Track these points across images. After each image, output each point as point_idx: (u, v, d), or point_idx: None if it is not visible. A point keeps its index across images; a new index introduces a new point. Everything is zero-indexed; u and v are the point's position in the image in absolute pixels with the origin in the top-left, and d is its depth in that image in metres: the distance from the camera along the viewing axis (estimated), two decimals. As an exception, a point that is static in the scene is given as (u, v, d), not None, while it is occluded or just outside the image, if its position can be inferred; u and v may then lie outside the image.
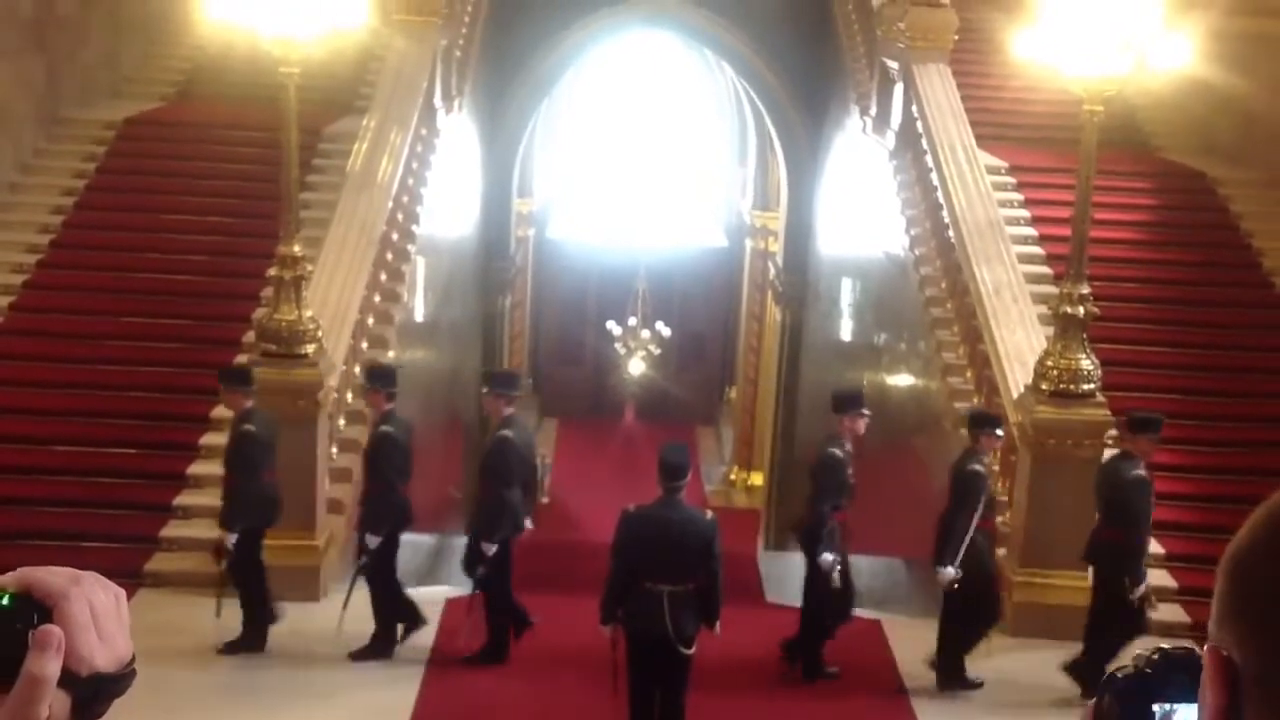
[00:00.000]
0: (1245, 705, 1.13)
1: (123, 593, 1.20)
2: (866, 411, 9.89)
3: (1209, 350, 13.46)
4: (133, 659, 1.19)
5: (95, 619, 1.15)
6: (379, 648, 9.70)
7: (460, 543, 10.67)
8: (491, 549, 9.54)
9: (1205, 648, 1.16)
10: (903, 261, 13.83)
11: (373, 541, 9.57)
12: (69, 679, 1.13)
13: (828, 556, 9.62)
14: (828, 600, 9.77)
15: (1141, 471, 9.21)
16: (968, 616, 9.58)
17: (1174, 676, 1.20)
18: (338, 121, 15.10)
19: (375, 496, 9.68)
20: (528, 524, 9.89)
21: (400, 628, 9.82)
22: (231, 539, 9.38)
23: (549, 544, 18.91)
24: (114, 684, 1.17)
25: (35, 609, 1.13)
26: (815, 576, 9.84)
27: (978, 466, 9.43)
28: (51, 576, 1.16)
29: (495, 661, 9.80)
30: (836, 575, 9.68)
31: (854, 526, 10.19)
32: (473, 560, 9.71)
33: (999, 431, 9.80)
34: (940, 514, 9.61)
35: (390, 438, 9.62)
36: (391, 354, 12.42)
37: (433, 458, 15.87)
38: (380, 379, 9.85)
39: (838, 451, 9.57)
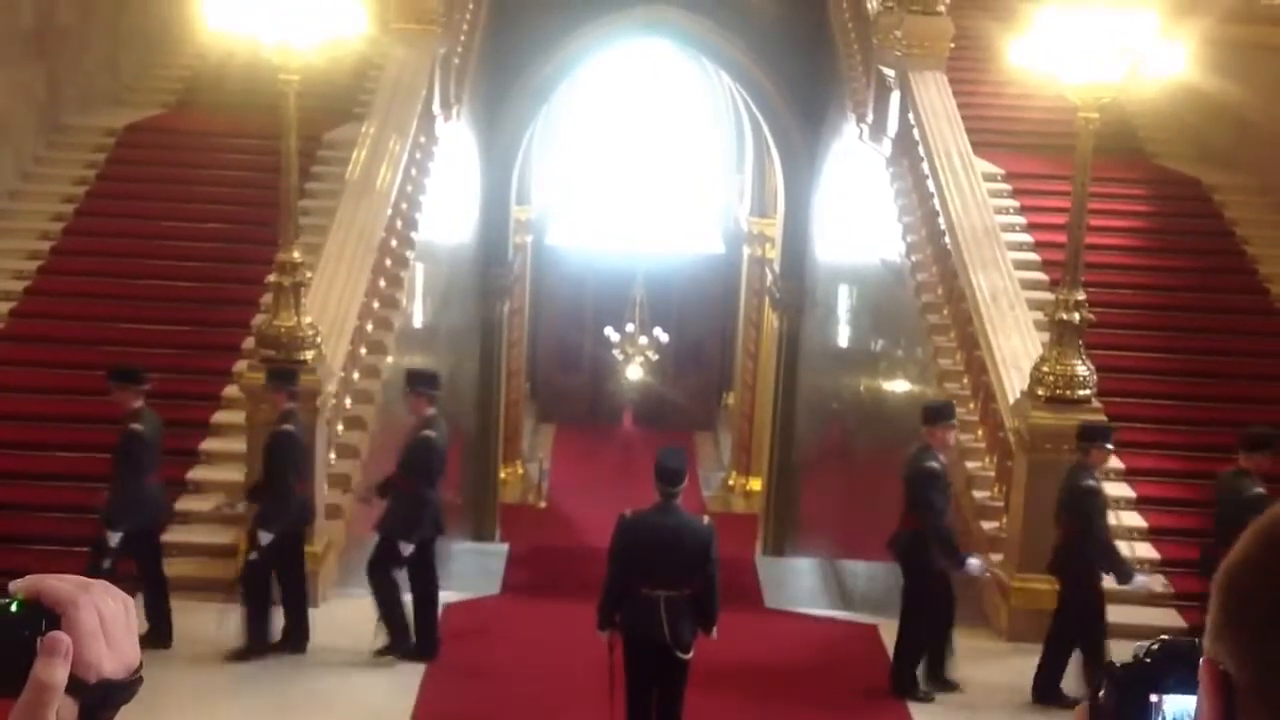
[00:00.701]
0: (1242, 718, 1.13)
1: (130, 600, 1.21)
2: (955, 422, 9.75)
3: (1204, 356, 13.52)
4: (140, 666, 1.21)
5: (103, 626, 1.16)
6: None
7: (462, 547, 10.68)
8: (409, 549, 9.51)
9: (1201, 661, 1.17)
10: (899, 268, 13.89)
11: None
12: (77, 686, 1.14)
13: (974, 561, 9.45)
14: (937, 615, 9.54)
15: (934, 462, 9.32)
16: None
17: (1173, 667, 1.21)
18: (337, 129, 15.17)
19: (270, 495, 9.58)
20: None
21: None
22: (115, 538, 9.35)
23: (547, 549, 18.96)
24: (122, 691, 1.19)
25: (44, 616, 1.14)
26: (918, 591, 9.53)
27: (1091, 482, 9.27)
28: (60, 584, 1.16)
29: (400, 653, 9.71)
30: (981, 569, 9.58)
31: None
32: (384, 560, 9.61)
33: (1109, 445, 9.56)
34: (1070, 535, 9.35)
35: (291, 436, 9.48)
36: (390, 359, 12.47)
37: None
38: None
39: (935, 464, 9.38)
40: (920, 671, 9.62)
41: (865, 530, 15.14)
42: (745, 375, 26.55)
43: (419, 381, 9.87)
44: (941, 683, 9.63)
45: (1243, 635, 1.14)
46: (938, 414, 9.63)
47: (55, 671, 1.12)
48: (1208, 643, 1.18)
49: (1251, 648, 1.13)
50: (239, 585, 9.68)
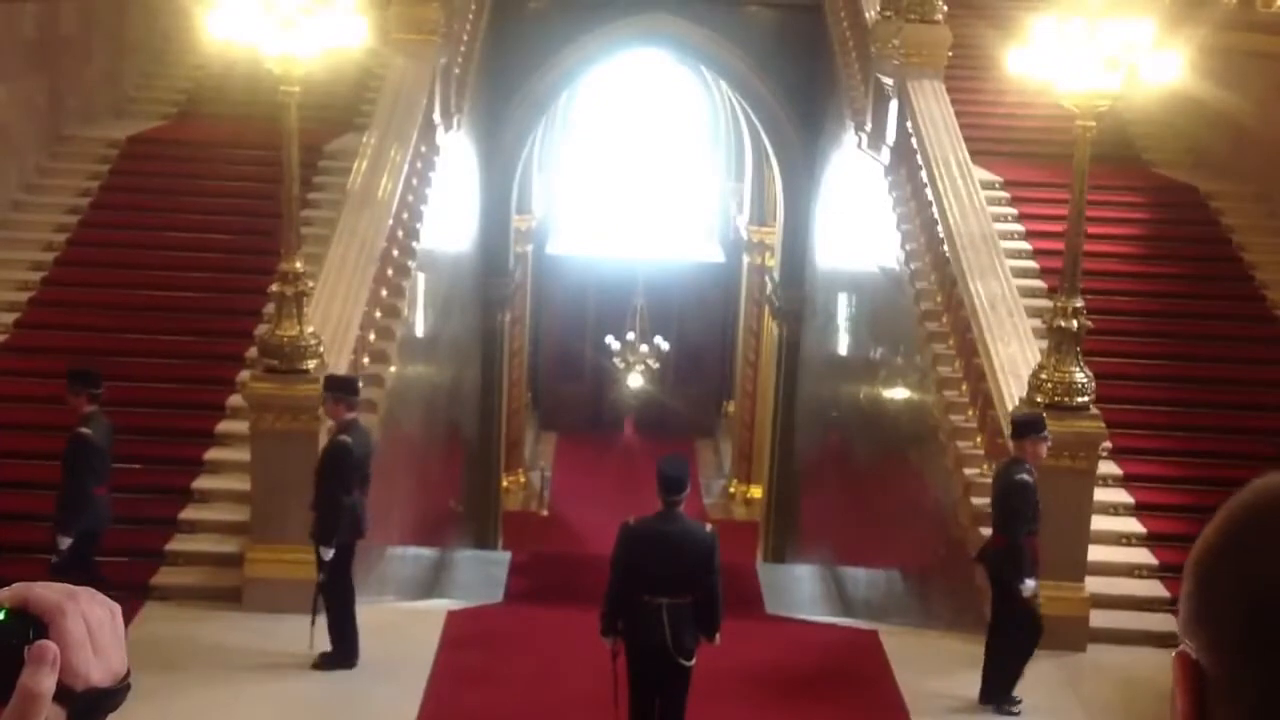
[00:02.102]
0: (1214, 710, 1.09)
1: (118, 607, 1.19)
2: (1047, 435, 9.58)
3: (1202, 363, 13.57)
4: (128, 674, 1.19)
5: (91, 634, 1.15)
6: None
7: (464, 555, 10.70)
8: (329, 554, 9.47)
9: (1175, 653, 1.14)
10: (898, 276, 13.94)
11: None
12: (64, 694, 1.12)
13: (1030, 583, 9.31)
14: (1025, 628, 9.45)
15: (1026, 476, 9.26)
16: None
17: None
18: (338, 139, 15.24)
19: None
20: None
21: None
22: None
23: (549, 557, 19.01)
24: (109, 699, 1.17)
25: (31, 624, 1.13)
26: (1009, 605, 9.43)
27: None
28: (48, 592, 1.15)
29: (345, 666, 9.69)
30: (1036, 600, 9.39)
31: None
32: (332, 568, 9.57)
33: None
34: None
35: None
36: (392, 369, 12.52)
37: (432, 471, 15.99)
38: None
39: (1027, 477, 9.28)
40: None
41: (866, 537, 15.20)
42: (746, 383, 26.60)
43: (336, 387, 9.69)
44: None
45: (1214, 625, 1.10)
46: (1029, 427, 9.49)
47: (43, 680, 1.10)
48: (1180, 633, 1.14)
49: (1223, 638, 1.09)
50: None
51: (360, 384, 9.99)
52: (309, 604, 9.65)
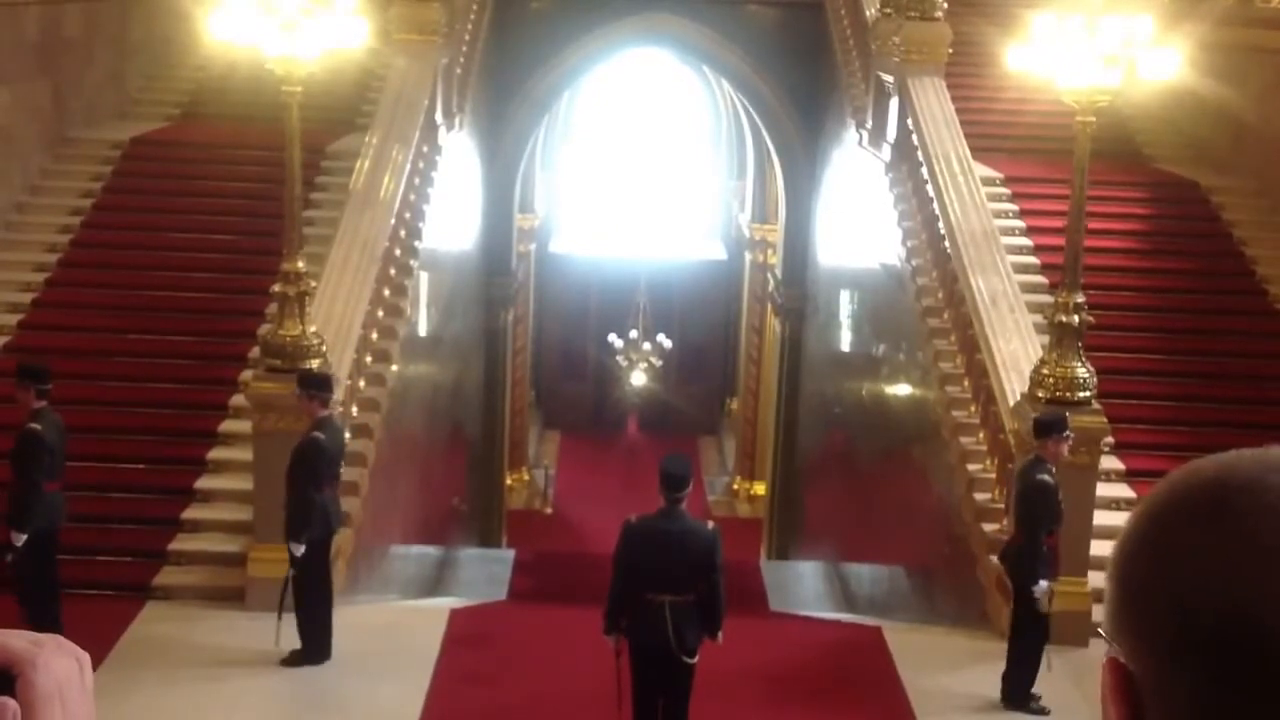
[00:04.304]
0: (1147, 714, 1.05)
1: (86, 657, 1.11)
2: (1070, 434, 9.53)
3: (1204, 357, 13.58)
4: None
5: (59, 688, 1.06)
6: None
7: (468, 554, 10.71)
8: (299, 549, 9.48)
9: (1105, 659, 1.08)
10: (899, 272, 13.96)
11: None
12: None
13: (1043, 584, 9.28)
14: (1042, 628, 9.45)
15: (1047, 476, 9.24)
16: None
17: None
18: (340, 140, 15.27)
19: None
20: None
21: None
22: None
23: (553, 555, 19.03)
24: None
25: None
26: (1028, 604, 9.41)
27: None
28: (14, 640, 1.06)
29: (314, 662, 9.68)
30: (1046, 601, 9.33)
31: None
32: (304, 565, 9.57)
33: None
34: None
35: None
36: (394, 368, 12.54)
37: (435, 469, 16.02)
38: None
39: (1048, 477, 9.24)
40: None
41: (869, 533, 15.22)
42: (748, 380, 26.63)
43: (310, 384, 9.70)
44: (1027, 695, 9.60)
45: (1142, 628, 1.05)
46: (1050, 427, 9.44)
47: None
48: (1107, 638, 1.09)
49: (1151, 642, 1.04)
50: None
51: (334, 380, 9.97)
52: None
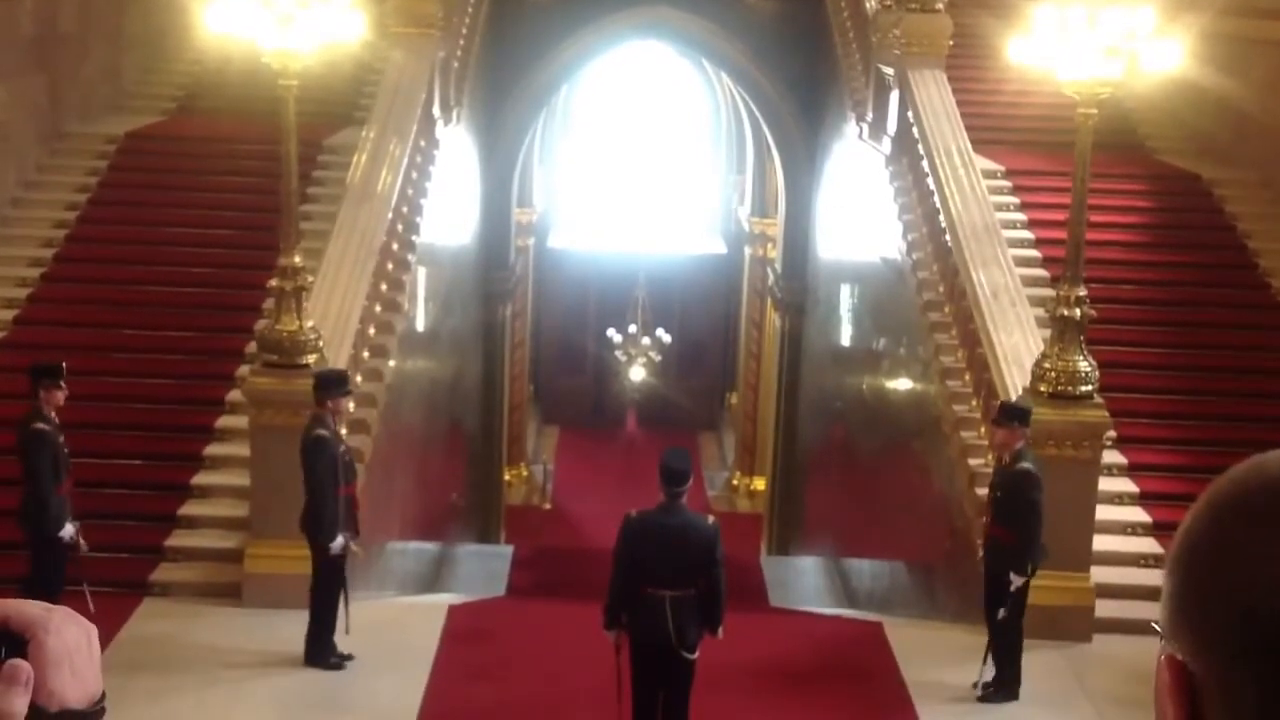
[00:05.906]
0: (1209, 716, 1.01)
1: (94, 629, 1.17)
2: (1018, 426, 9.46)
3: (1206, 351, 13.52)
4: (103, 696, 1.17)
5: (69, 654, 1.12)
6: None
7: (467, 550, 10.66)
8: (339, 546, 9.48)
9: (1161, 657, 1.06)
10: (900, 266, 13.90)
11: None
12: (38, 714, 1.10)
13: (1013, 577, 9.28)
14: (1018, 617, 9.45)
15: (1027, 465, 9.24)
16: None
17: None
18: (337, 133, 15.20)
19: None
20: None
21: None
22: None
23: (552, 551, 19.00)
24: None
25: (7, 641, 1.10)
26: (1018, 595, 9.42)
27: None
28: (28, 608, 1.13)
29: (320, 665, 9.64)
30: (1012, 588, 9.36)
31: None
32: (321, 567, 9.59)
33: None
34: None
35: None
36: (392, 363, 12.48)
37: (433, 465, 15.96)
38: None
39: (1029, 465, 9.27)
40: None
41: (870, 528, 15.17)
42: (748, 375, 26.58)
43: (326, 385, 9.59)
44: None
45: (1205, 627, 1.02)
46: (1014, 415, 9.47)
47: (14, 701, 1.08)
48: (1165, 636, 1.06)
49: (1215, 641, 1.01)
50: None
51: (349, 379, 9.92)
52: (308, 600, 9.64)
